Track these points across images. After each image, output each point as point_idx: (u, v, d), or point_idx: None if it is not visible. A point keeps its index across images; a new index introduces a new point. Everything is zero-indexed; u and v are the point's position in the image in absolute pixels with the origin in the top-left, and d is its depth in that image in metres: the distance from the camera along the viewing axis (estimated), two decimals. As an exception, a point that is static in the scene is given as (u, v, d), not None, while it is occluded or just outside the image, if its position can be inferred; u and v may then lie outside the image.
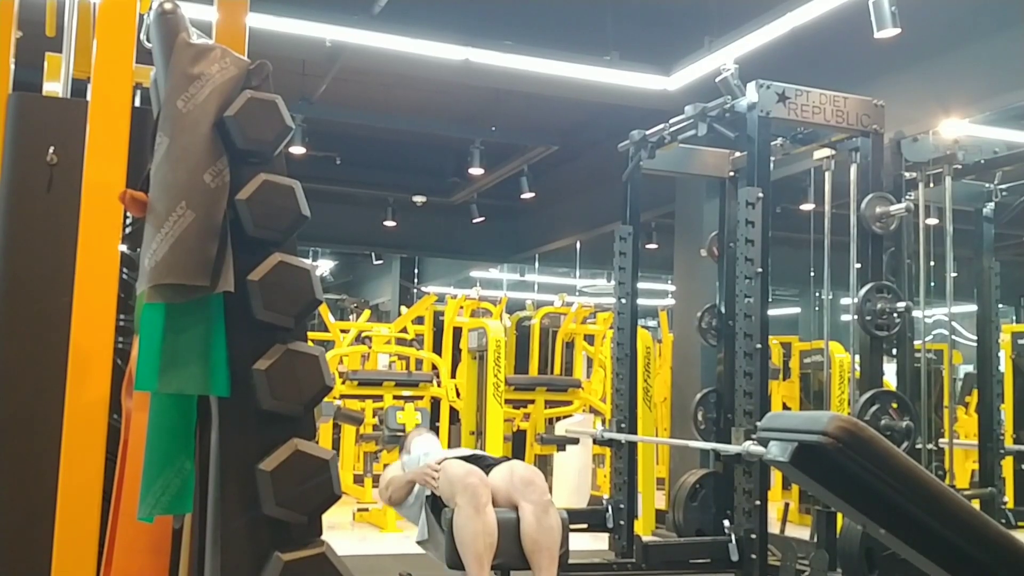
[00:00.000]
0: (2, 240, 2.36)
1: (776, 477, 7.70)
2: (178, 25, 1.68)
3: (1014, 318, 14.85)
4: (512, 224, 12.90)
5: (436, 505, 3.77)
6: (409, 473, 3.91)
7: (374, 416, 8.42)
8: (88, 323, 1.98)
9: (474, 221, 12.11)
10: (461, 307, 9.51)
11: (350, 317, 13.55)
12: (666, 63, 6.99)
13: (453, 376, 8.65)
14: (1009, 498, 5.61)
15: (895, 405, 4.14)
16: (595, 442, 5.19)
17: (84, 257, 2.00)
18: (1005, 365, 6.66)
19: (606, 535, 5.11)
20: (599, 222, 10.21)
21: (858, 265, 4.40)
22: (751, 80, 4.27)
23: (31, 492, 2.18)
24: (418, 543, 3.97)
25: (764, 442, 1.34)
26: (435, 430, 9.06)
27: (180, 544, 1.77)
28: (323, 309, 9.02)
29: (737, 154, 5.15)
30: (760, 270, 4.15)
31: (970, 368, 9.27)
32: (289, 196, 1.62)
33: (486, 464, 3.84)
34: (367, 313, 11.54)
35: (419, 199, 11.87)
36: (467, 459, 3.86)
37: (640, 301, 5.15)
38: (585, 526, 4.94)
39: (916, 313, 4.86)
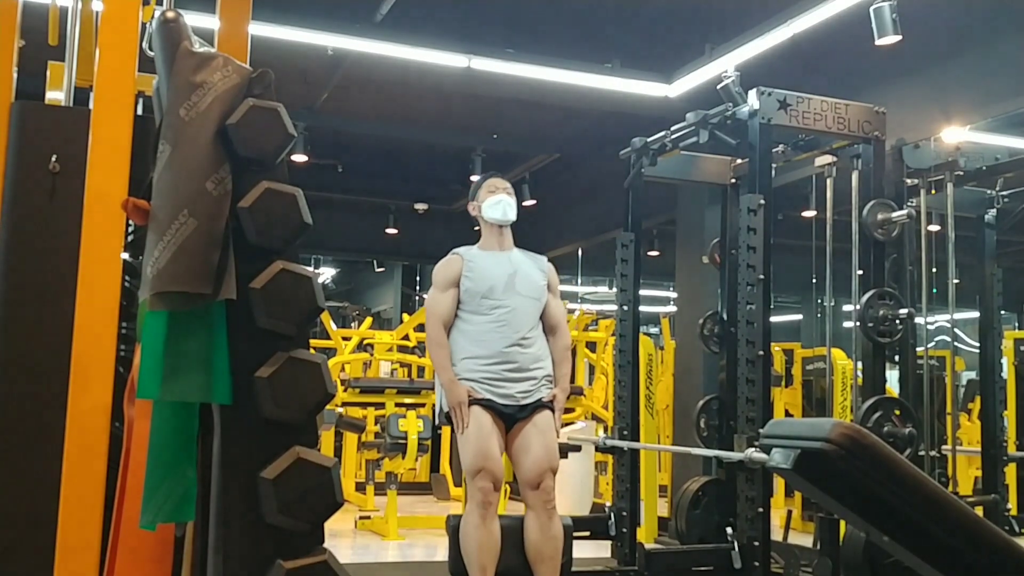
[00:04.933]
0: (5, 247, 2.36)
1: (779, 484, 7.69)
2: (180, 34, 1.68)
3: (1016, 324, 14.83)
4: (513, 232, 12.89)
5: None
6: (444, 376, 3.69)
7: (376, 423, 8.42)
8: (90, 331, 1.98)
9: (476, 229, 12.10)
10: (463, 314, 9.48)
11: (352, 324, 13.56)
12: (667, 70, 6.99)
13: (455, 383, 8.62)
14: (1012, 505, 5.59)
15: (898, 412, 4.13)
16: (597, 449, 5.16)
17: (86, 265, 2.00)
18: (1008, 371, 6.65)
19: (609, 543, 5.10)
20: (601, 229, 10.21)
21: (860, 272, 4.40)
22: (752, 87, 4.27)
23: (33, 499, 2.18)
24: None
25: (767, 449, 1.34)
26: (437, 438, 9.06)
27: (182, 552, 1.76)
28: (325, 317, 9.01)
29: (739, 161, 5.14)
30: (762, 277, 4.15)
31: (973, 375, 9.27)
32: (291, 204, 1.62)
33: (515, 420, 3.68)
34: (369, 320, 11.53)
35: (421, 207, 11.87)
36: (497, 408, 3.66)
37: (642, 308, 5.14)
38: (588, 534, 4.93)
39: (918, 320, 4.85)
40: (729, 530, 4.36)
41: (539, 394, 3.73)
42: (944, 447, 5.30)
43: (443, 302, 3.80)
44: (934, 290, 5.18)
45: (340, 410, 7.55)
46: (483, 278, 3.79)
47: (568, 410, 8.37)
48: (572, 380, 9.65)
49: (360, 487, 8.62)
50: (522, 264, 3.91)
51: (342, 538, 7.04)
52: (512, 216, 3.95)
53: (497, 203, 3.93)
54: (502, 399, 3.68)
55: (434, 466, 9.63)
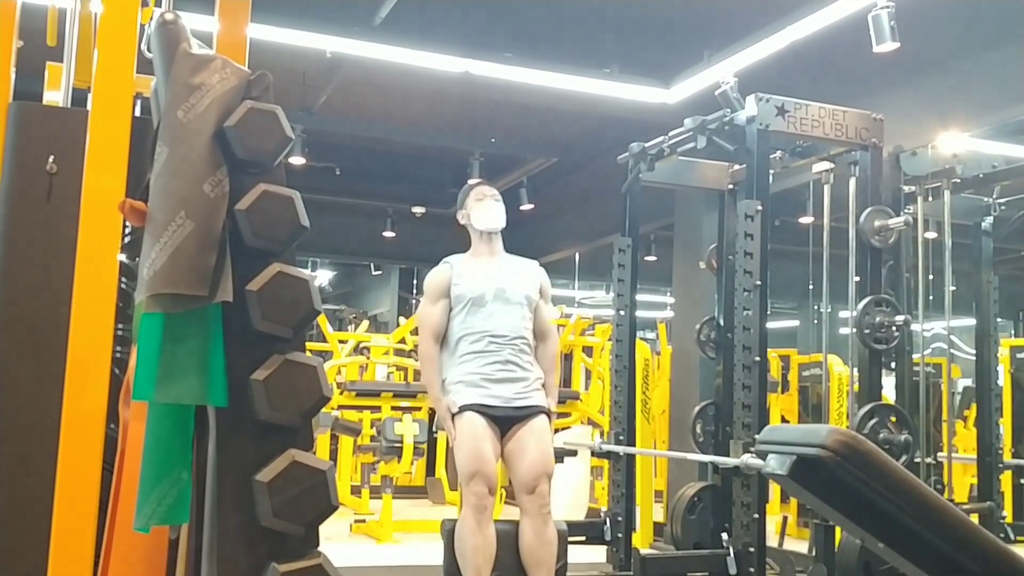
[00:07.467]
0: (1, 249, 2.36)
1: (774, 490, 7.68)
2: (179, 35, 1.68)
3: (1013, 332, 14.85)
4: (511, 235, 12.82)
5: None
6: (431, 391, 3.82)
7: (372, 427, 8.40)
8: (86, 332, 1.98)
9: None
10: (460, 318, 9.47)
11: (348, 328, 13.54)
12: (666, 76, 7.00)
13: (451, 387, 8.61)
14: (1008, 512, 5.59)
15: (894, 419, 4.14)
16: (593, 454, 5.18)
17: (83, 266, 2.00)
18: (1004, 379, 6.66)
19: (604, 548, 5.10)
20: (598, 234, 10.22)
21: (857, 278, 4.40)
22: (750, 93, 4.28)
23: (27, 501, 2.18)
24: None
25: (762, 455, 1.34)
26: (433, 442, 9.05)
27: (176, 555, 1.76)
28: (321, 320, 9.00)
29: (736, 167, 5.15)
30: (759, 283, 4.15)
31: (969, 382, 9.28)
32: (288, 206, 1.62)
33: (510, 424, 3.70)
34: (365, 324, 11.52)
35: (418, 210, 11.88)
36: (489, 411, 3.69)
37: (639, 313, 5.15)
38: (583, 539, 4.93)
39: (915, 327, 4.86)
40: (725, 536, 4.35)
41: (533, 397, 3.74)
42: (940, 454, 5.31)
43: (434, 314, 3.83)
44: (930, 297, 5.19)
45: (336, 413, 7.53)
46: (473, 285, 3.80)
47: (564, 415, 8.36)
48: (568, 385, 9.66)
49: (355, 491, 8.60)
50: (513, 270, 3.91)
51: (337, 541, 7.03)
52: (501, 223, 3.95)
53: (486, 211, 3.93)
54: (495, 400, 3.69)
55: (430, 470, 9.61)
